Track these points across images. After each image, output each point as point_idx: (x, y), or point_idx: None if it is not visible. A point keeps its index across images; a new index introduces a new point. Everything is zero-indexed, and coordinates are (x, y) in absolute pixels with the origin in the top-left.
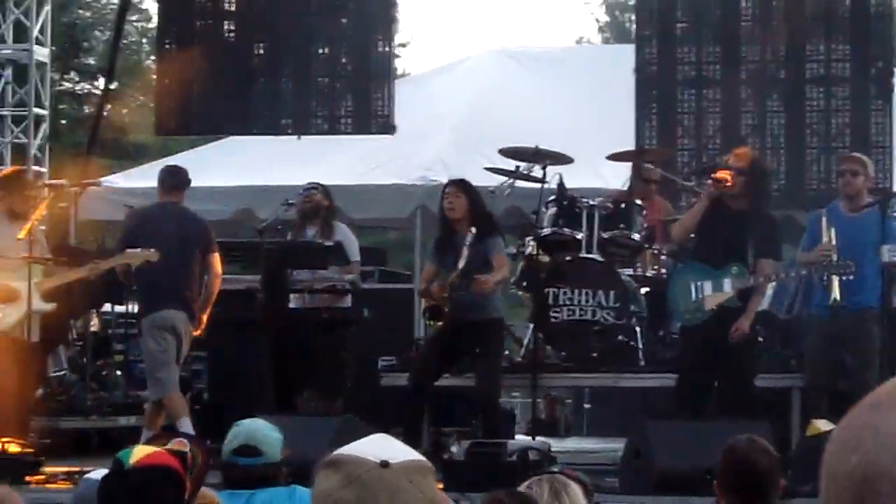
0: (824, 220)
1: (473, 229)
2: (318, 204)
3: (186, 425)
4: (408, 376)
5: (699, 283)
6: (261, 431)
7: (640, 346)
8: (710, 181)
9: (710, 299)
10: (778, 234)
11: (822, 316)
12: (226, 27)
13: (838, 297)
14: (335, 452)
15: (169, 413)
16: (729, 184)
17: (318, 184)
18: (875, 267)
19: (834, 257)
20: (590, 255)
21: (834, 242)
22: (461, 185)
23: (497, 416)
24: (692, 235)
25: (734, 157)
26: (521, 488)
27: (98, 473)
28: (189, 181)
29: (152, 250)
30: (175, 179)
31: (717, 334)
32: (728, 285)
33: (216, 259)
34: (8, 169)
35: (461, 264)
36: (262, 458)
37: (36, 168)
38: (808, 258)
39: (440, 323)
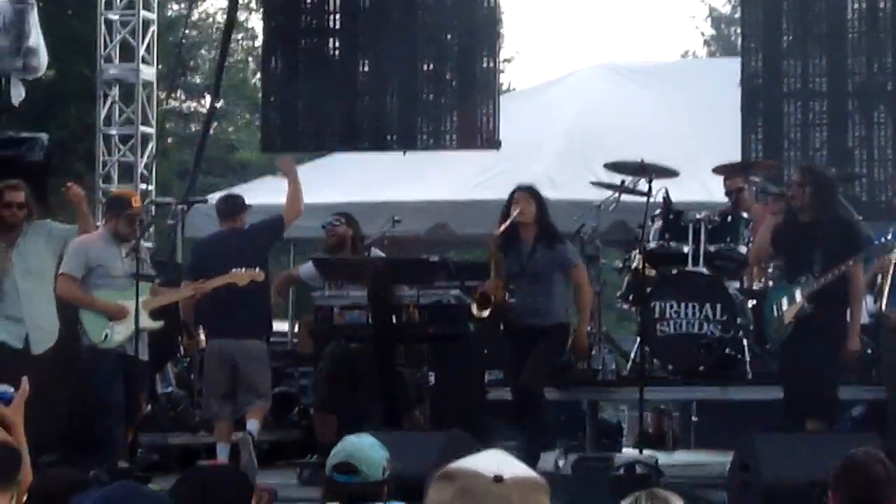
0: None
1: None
2: (343, 236)
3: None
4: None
5: (779, 301)
6: (363, 450)
7: (748, 358)
8: (772, 200)
9: (787, 313)
10: (854, 231)
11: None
12: (331, 44)
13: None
14: (450, 465)
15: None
16: (792, 197)
17: (341, 215)
18: None
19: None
20: (696, 269)
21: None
22: (531, 191)
23: (539, 415)
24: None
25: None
26: (628, 502)
27: None
28: (245, 206)
29: (258, 270)
30: (230, 206)
31: (796, 344)
32: (798, 295)
33: None
34: (116, 190)
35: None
36: (359, 477)
37: (143, 186)
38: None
39: (485, 312)
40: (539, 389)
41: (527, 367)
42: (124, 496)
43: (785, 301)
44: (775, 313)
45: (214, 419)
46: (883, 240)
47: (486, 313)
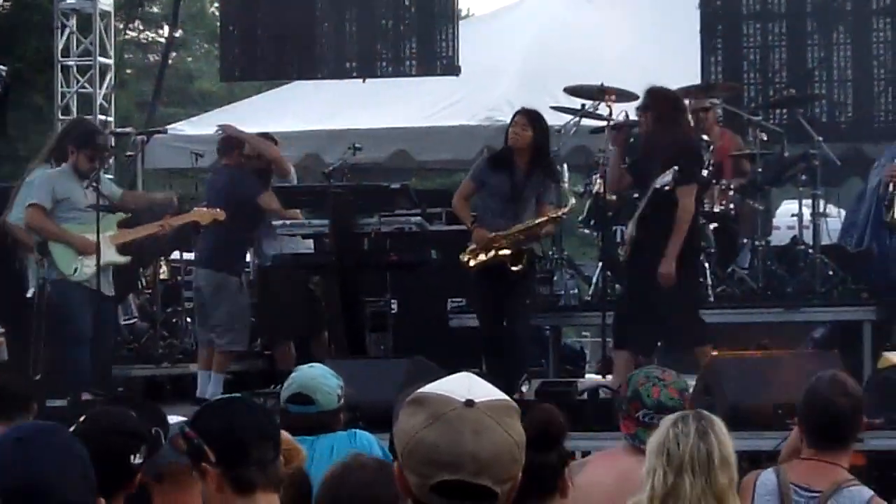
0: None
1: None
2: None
3: None
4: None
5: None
6: (316, 379)
7: (709, 281)
8: (616, 132)
9: (627, 240)
10: (692, 154)
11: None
12: None
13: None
14: (419, 390)
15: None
16: (639, 122)
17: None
18: None
19: None
20: None
21: None
22: (531, 116)
23: (519, 355)
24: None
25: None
26: (668, 422)
27: (172, 419)
28: (232, 145)
29: (219, 210)
30: (220, 144)
31: (630, 269)
32: (635, 218)
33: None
34: (80, 121)
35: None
36: (314, 407)
37: (102, 117)
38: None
39: (520, 267)
40: (527, 333)
41: (514, 313)
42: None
43: (630, 227)
44: (619, 237)
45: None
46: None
47: (520, 266)
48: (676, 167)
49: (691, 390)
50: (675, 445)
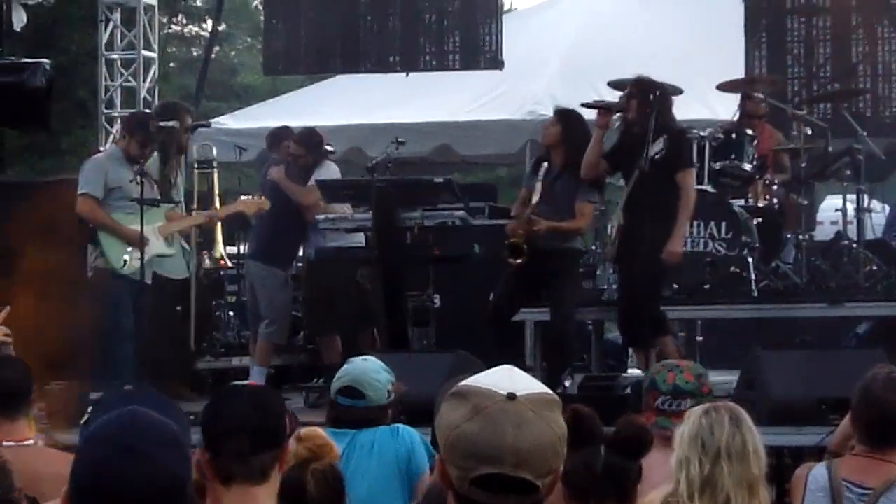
0: None
1: (546, 164)
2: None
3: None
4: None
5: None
6: (367, 373)
7: (753, 276)
8: (599, 114)
9: (615, 229)
10: (682, 143)
11: None
12: None
13: None
14: (461, 383)
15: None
16: (625, 109)
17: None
18: None
19: None
20: (701, 186)
21: None
22: (559, 113)
23: (565, 350)
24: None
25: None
26: (698, 412)
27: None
28: (280, 137)
29: (263, 197)
30: (269, 137)
31: (620, 259)
32: (620, 206)
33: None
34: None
35: (535, 199)
36: (364, 402)
37: (146, 111)
38: None
39: (519, 261)
40: (570, 328)
41: (550, 307)
42: (129, 419)
43: (617, 215)
44: (609, 230)
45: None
46: None
47: (519, 261)
48: (666, 136)
49: (735, 385)
50: (710, 434)
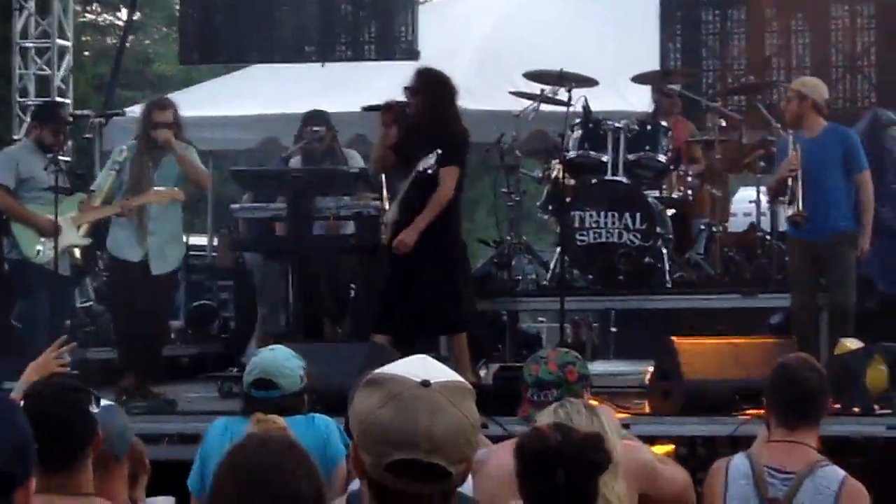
0: (790, 139)
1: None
2: (330, 143)
3: None
4: None
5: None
6: (278, 363)
7: (667, 267)
8: (382, 111)
9: (388, 214)
10: (458, 140)
11: (798, 236)
12: None
13: (801, 208)
14: (376, 371)
15: None
16: (409, 104)
17: (321, 117)
18: (841, 189)
19: (798, 172)
20: (615, 178)
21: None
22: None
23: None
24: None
25: None
26: (552, 411)
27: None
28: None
29: (176, 189)
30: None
31: (391, 253)
32: (397, 200)
33: None
34: (46, 101)
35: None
36: (277, 391)
37: (60, 99)
38: (776, 178)
39: None
40: (475, 309)
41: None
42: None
43: (392, 209)
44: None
45: None
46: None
47: None
48: (440, 150)
49: (650, 372)
50: (569, 422)
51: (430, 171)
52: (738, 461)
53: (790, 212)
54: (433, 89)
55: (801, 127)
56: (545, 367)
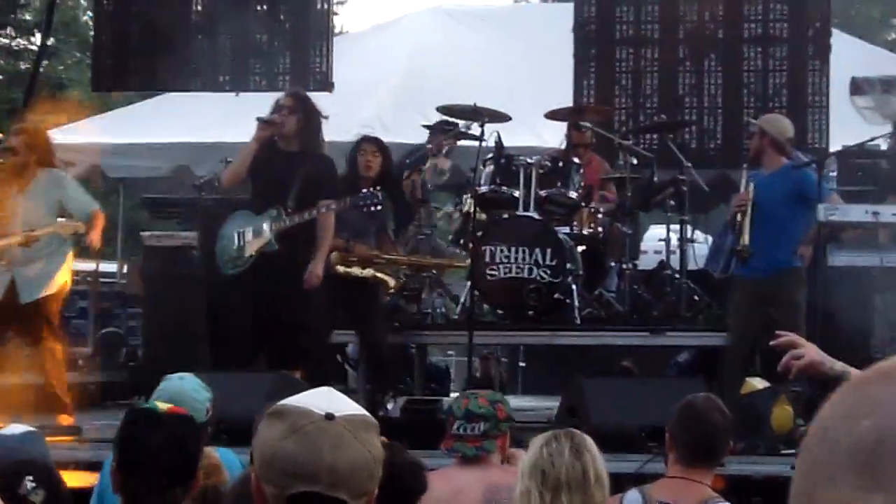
0: (744, 175)
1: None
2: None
3: None
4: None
5: (241, 231)
6: (185, 393)
7: (576, 303)
8: (260, 124)
9: (251, 245)
10: (333, 172)
11: (744, 274)
12: None
13: (746, 243)
14: (280, 403)
15: None
16: (279, 124)
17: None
18: (788, 226)
19: (748, 207)
20: (527, 213)
21: (751, 196)
22: (379, 144)
23: (385, 364)
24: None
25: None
26: (540, 441)
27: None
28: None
29: (79, 223)
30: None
31: (260, 281)
32: (267, 228)
33: None
34: None
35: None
36: None
37: None
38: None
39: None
40: (386, 341)
41: (371, 323)
42: None
43: (251, 232)
44: (236, 242)
45: None
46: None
47: (352, 269)
48: (302, 178)
49: (556, 411)
50: (550, 465)
51: (299, 197)
52: (632, 496)
53: (738, 246)
54: (312, 116)
55: (760, 164)
56: (475, 400)
